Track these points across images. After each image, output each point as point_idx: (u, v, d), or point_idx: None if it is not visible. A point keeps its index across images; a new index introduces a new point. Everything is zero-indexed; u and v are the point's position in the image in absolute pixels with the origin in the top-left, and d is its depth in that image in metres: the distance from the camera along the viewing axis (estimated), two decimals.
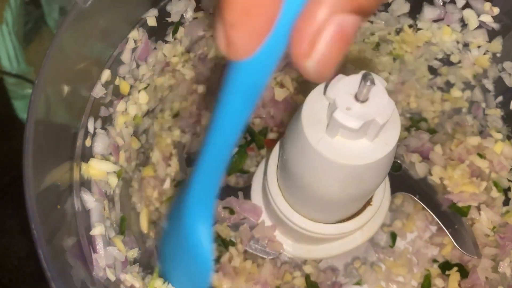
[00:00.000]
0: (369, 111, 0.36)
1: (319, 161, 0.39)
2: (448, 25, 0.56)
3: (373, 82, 0.34)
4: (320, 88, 0.40)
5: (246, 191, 0.59)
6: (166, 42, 0.54)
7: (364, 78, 0.34)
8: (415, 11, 0.57)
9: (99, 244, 0.42)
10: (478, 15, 0.54)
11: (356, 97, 0.36)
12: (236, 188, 0.59)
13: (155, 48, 0.53)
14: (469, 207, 0.56)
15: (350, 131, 0.36)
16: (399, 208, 0.59)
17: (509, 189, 0.57)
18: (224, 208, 0.57)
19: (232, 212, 0.57)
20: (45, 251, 0.33)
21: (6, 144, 0.84)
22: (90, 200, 0.44)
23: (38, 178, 0.36)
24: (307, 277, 0.56)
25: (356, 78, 0.36)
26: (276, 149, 0.52)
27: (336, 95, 0.36)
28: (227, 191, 0.59)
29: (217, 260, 0.56)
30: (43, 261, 0.32)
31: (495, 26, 0.53)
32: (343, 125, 0.36)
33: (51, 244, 0.36)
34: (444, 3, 0.55)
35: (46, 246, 0.34)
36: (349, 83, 0.37)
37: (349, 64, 0.65)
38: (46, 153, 0.40)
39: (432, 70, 0.63)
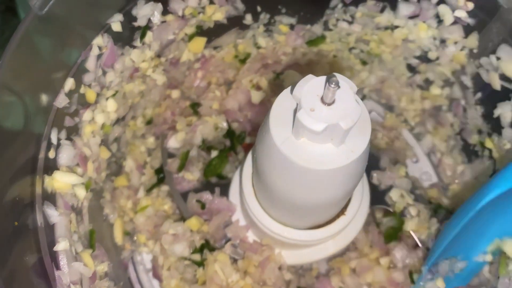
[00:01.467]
0: (334, 115, 0.34)
1: (283, 162, 0.37)
2: (424, 21, 0.55)
3: (337, 85, 0.33)
4: (290, 88, 0.39)
5: (224, 188, 0.58)
6: (134, 47, 0.52)
7: (329, 80, 0.33)
8: (391, 9, 0.56)
9: (63, 260, 0.40)
10: (453, 11, 0.52)
11: (322, 100, 0.34)
12: (215, 184, 0.59)
13: (122, 54, 0.52)
14: None
15: (314, 134, 0.35)
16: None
17: None
18: (197, 201, 0.56)
19: (203, 206, 0.56)
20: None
21: None
22: (53, 214, 0.42)
23: None
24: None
25: (324, 79, 0.35)
26: (253, 149, 0.51)
27: (302, 95, 0.35)
28: (205, 186, 0.59)
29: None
30: None
31: (470, 21, 0.52)
32: (306, 127, 0.34)
33: (8, 262, 0.35)
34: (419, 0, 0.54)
35: (1, 265, 0.32)
36: (317, 84, 0.35)
37: (326, 64, 0.64)
38: (3, 168, 0.38)
39: (411, 68, 0.62)
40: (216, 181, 0.60)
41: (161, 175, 0.61)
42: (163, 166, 0.61)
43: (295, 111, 0.37)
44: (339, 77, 0.34)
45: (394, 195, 0.56)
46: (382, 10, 0.57)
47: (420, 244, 0.54)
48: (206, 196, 0.57)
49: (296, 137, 0.36)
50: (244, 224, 0.54)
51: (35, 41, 0.42)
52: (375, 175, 0.59)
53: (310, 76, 0.36)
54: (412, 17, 0.56)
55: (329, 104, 0.34)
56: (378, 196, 0.57)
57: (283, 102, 0.38)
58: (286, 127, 0.37)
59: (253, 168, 0.49)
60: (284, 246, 0.52)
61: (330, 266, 0.56)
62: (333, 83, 0.33)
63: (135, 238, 0.57)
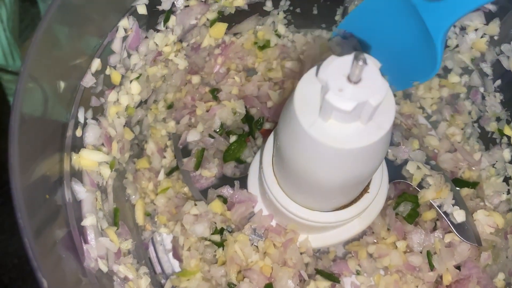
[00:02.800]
0: (362, 93, 0.35)
1: (312, 145, 0.38)
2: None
3: (365, 62, 0.33)
4: (312, 71, 0.39)
5: (242, 181, 0.58)
6: (158, 31, 0.53)
7: (356, 58, 0.33)
8: None
9: (91, 235, 0.42)
10: None
11: (349, 78, 0.35)
12: (232, 178, 0.59)
13: (146, 37, 0.52)
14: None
15: (343, 114, 0.36)
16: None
17: None
18: (218, 196, 0.56)
19: (225, 201, 0.56)
20: (31, 243, 0.33)
21: (4, 141, 0.83)
22: (81, 190, 0.43)
23: (25, 169, 0.36)
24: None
25: (348, 59, 0.35)
26: (271, 138, 0.52)
27: (328, 77, 0.35)
28: (223, 181, 0.59)
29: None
30: (28, 249, 0.31)
31: (492, 8, 0.52)
32: (336, 107, 0.35)
33: (40, 235, 0.36)
34: None
35: (32, 237, 0.33)
36: (342, 64, 0.35)
37: None
38: (33, 144, 0.39)
39: None
40: (232, 172, 0.61)
41: None
42: (178, 166, 0.60)
43: (319, 93, 0.38)
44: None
45: (410, 168, 0.56)
46: None
47: (439, 211, 0.54)
48: (227, 190, 0.57)
49: (324, 119, 0.37)
50: (268, 213, 0.55)
51: (60, 26, 0.42)
52: (389, 150, 0.58)
53: (332, 56, 0.37)
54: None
55: (356, 82, 0.35)
56: (395, 171, 0.57)
57: (305, 87, 0.39)
58: (311, 110, 0.38)
59: (274, 156, 0.50)
60: (311, 230, 0.53)
61: (347, 250, 0.56)
62: (361, 60, 0.33)
63: (156, 219, 0.58)
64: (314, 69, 0.39)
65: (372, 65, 0.35)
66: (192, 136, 0.60)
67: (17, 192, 0.33)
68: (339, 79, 0.35)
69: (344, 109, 0.35)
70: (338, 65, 0.36)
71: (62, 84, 0.43)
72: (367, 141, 0.37)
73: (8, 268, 0.75)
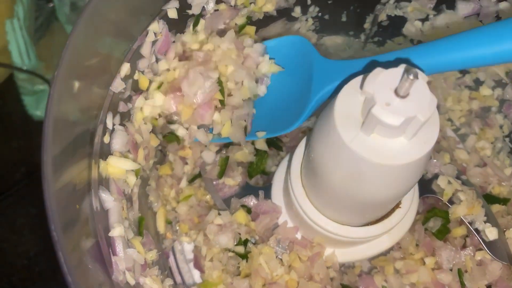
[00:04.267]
0: (411, 107, 0.33)
1: (353, 160, 0.36)
2: (481, 21, 0.54)
3: (416, 76, 0.32)
4: (353, 83, 0.38)
5: (266, 190, 0.56)
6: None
7: (408, 71, 0.32)
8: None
9: (119, 246, 0.40)
10: None
11: (396, 92, 0.34)
12: (256, 188, 0.57)
13: (173, 42, 0.51)
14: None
15: (388, 128, 0.34)
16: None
17: None
18: (242, 206, 0.55)
19: (249, 211, 0.55)
20: (65, 254, 0.31)
21: (16, 140, 0.82)
22: (109, 199, 0.42)
23: (56, 176, 0.34)
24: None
25: (396, 71, 0.34)
26: (300, 148, 0.50)
27: (375, 90, 0.34)
28: (246, 190, 0.57)
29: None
30: (63, 264, 0.30)
31: None
32: (383, 122, 0.33)
33: (73, 248, 0.34)
34: None
35: (67, 251, 0.31)
36: (389, 77, 0.34)
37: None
38: (64, 150, 0.38)
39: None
40: (255, 183, 0.59)
41: None
42: (201, 174, 0.59)
43: (361, 107, 0.37)
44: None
45: (441, 182, 0.55)
46: (436, 7, 0.56)
47: (471, 228, 0.53)
48: (251, 200, 0.56)
49: (366, 133, 0.36)
50: (293, 225, 0.54)
51: (95, 26, 0.41)
52: None
53: (379, 69, 0.35)
54: (468, 16, 0.55)
55: (404, 97, 0.34)
56: (425, 185, 0.55)
57: (346, 99, 0.38)
58: (353, 124, 0.36)
59: (304, 168, 0.48)
60: (338, 244, 0.51)
61: (373, 265, 0.55)
62: (412, 75, 0.32)
63: (177, 227, 0.57)
64: (356, 80, 0.38)
65: (421, 79, 0.34)
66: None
67: (50, 201, 0.32)
68: (386, 92, 0.34)
69: (391, 124, 0.33)
70: (385, 78, 0.34)
71: (92, 89, 0.42)
72: (411, 158, 0.35)
73: (18, 268, 0.74)
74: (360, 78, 0.38)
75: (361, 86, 0.36)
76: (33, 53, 0.79)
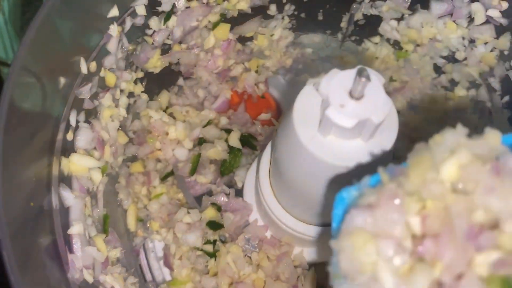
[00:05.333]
0: (364, 109, 0.33)
1: (310, 160, 0.36)
2: (454, 21, 0.53)
3: (368, 78, 0.31)
4: (313, 83, 0.38)
5: (238, 189, 0.56)
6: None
7: (360, 73, 0.32)
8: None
9: (76, 244, 0.40)
10: (486, 10, 0.51)
11: (351, 94, 0.33)
12: (227, 185, 0.57)
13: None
14: None
15: (343, 130, 0.34)
16: None
17: None
18: (212, 204, 0.55)
19: (219, 209, 0.54)
20: (8, 249, 0.31)
21: None
22: (69, 197, 0.42)
23: (8, 172, 0.34)
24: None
25: (351, 73, 0.34)
26: (268, 148, 0.50)
27: (329, 91, 0.34)
28: (218, 187, 0.57)
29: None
30: (6, 263, 0.30)
31: (503, 21, 0.51)
32: (336, 124, 0.33)
33: (22, 243, 0.34)
34: None
35: (10, 243, 0.31)
36: (344, 78, 0.34)
37: (348, 65, 0.63)
38: (20, 146, 0.38)
39: (437, 69, 0.60)
40: (229, 181, 0.59)
41: None
42: (173, 171, 0.58)
43: (319, 108, 0.36)
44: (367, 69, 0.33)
45: None
46: (410, 7, 0.56)
47: None
48: (221, 198, 0.56)
49: (323, 134, 0.35)
50: (263, 224, 0.53)
51: (56, 23, 0.41)
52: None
53: (335, 70, 0.35)
54: (441, 16, 0.54)
55: (358, 99, 0.33)
56: None
57: (305, 99, 0.37)
58: (311, 125, 0.36)
59: (271, 168, 0.48)
60: (306, 243, 0.51)
61: None
62: (364, 77, 0.31)
63: (148, 225, 0.56)
64: (313, 80, 0.38)
65: (375, 81, 0.34)
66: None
67: None
68: (340, 94, 0.34)
69: (344, 126, 0.33)
70: (340, 80, 0.34)
71: (54, 82, 0.41)
72: (366, 160, 0.35)
73: None
74: (321, 78, 0.37)
75: (317, 88, 0.36)
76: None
